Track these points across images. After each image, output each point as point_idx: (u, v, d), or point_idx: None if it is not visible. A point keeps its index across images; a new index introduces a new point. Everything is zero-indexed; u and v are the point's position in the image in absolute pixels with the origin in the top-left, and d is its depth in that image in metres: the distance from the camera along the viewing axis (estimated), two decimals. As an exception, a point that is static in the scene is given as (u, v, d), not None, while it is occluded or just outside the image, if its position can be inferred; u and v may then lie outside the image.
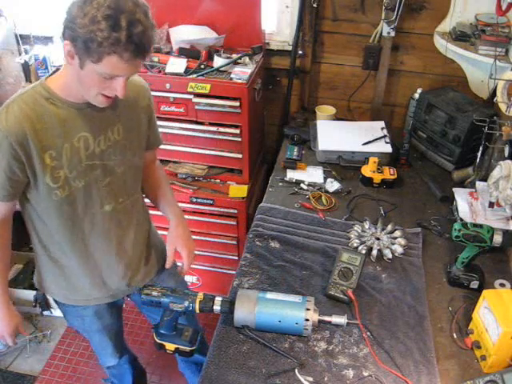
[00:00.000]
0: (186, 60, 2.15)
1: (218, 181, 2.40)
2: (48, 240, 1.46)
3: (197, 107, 2.16)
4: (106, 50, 1.10)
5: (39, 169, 1.28)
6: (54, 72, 1.32)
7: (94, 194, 1.39)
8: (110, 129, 1.37)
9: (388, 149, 2.16)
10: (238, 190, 2.35)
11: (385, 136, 2.22)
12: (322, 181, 2.08)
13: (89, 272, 1.51)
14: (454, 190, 1.93)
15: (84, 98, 1.27)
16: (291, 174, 2.11)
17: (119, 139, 1.39)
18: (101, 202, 1.41)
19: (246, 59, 2.23)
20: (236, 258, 2.51)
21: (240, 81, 2.08)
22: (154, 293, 1.36)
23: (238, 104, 2.11)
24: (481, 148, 1.96)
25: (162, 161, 2.01)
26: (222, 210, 2.37)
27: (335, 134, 2.27)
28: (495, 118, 1.94)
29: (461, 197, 1.88)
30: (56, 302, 1.64)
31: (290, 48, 2.43)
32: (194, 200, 2.34)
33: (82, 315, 1.64)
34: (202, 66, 2.17)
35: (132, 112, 1.43)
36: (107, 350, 1.81)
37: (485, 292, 1.37)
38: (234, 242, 2.49)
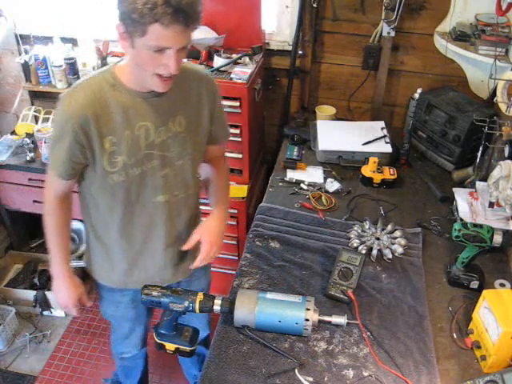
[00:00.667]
0: (185, 60, 2.15)
1: (218, 181, 2.40)
2: (97, 220, 1.49)
3: (197, 107, 2.16)
4: (148, 19, 1.10)
5: (98, 153, 1.31)
6: (123, 59, 1.34)
7: (149, 183, 1.40)
8: (171, 120, 1.37)
9: (388, 149, 2.16)
10: (238, 190, 2.35)
11: (385, 136, 2.22)
12: (322, 181, 2.08)
13: (131, 256, 1.53)
14: (453, 190, 1.93)
15: (145, 85, 1.28)
16: (291, 174, 2.11)
17: (180, 131, 1.39)
18: (155, 192, 1.42)
19: (246, 59, 2.23)
20: (236, 258, 2.51)
21: (240, 81, 2.09)
22: (154, 293, 1.36)
23: (238, 104, 2.11)
24: (481, 148, 1.96)
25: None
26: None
27: (335, 134, 2.27)
28: (495, 117, 1.94)
29: (461, 197, 1.88)
30: (97, 285, 1.66)
31: (290, 48, 2.43)
32: (194, 200, 2.34)
33: (118, 301, 1.66)
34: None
35: (195, 104, 1.42)
36: (132, 340, 1.82)
37: (485, 292, 1.37)
38: (234, 242, 2.49)
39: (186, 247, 1.53)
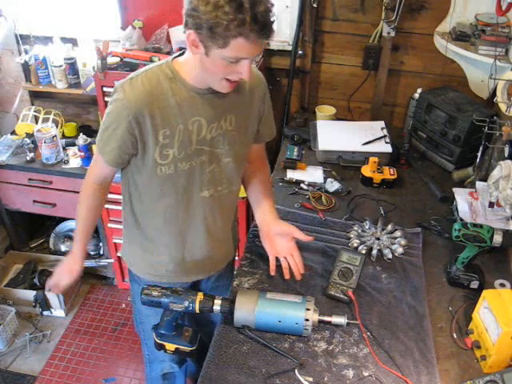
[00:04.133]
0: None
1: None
2: (140, 210, 1.51)
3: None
4: (232, 33, 1.11)
5: (151, 144, 1.32)
6: (181, 54, 1.35)
7: (197, 177, 1.42)
8: (223, 117, 1.39)
9: (388, 149, 2.16)
10: (238, 190, 2.35)
11: (385, 136, 2.22)
12: (322, 181, 2.08)
13: (173, 247, 1.55)
14: (453, 190, 1.93)
15: (206, 83, 1.29)
16: (291, 174, 2.11)
17: (230, 129, 1.41)
18: (201, 186, 1.44)
19: (246, 59, 2.23)
20: (236, 257, 2.51)
21: (240, 81, 2.08)
22: (154, 293, 1.35)
23: (238, 104, 2.11)
24: (481, 148, 1.96)
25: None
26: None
27: (335, 134, 2.27)
28: (495, 118, 1.94)
29: (461, 197, 1.88)
30: (135, 281, 1.66)
31: (290, 48, 2.43)
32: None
33: None
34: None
35: (247, 104, 1.44)
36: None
37: (485, 292, 1.37)
38: (234, 242, 2.49)
39: (272, 272, 1.56)
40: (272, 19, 1.15)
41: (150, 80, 1.29)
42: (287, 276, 1.56)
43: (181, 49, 1.34)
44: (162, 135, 1.32)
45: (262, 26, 1.12)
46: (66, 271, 1.57)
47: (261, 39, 1.15)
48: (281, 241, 1.58)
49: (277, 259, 1.58)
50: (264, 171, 1.70)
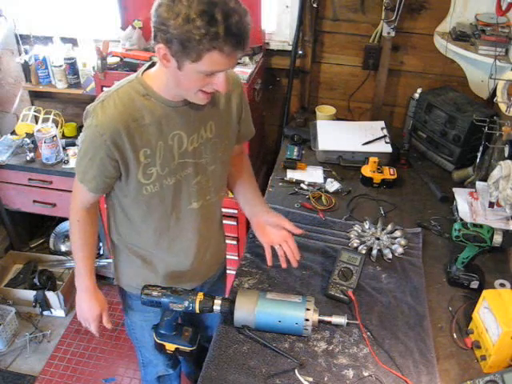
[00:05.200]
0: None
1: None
2: (129, 230, 1.47)
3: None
4: (206, 47, 1.06)
5: (133, 166, 1.28)
6: (150, 66, 1.29)
7: (184, 191, 1.39)
8: (203, 127, 1.35)
9: (388, 149, 2.16)
10: (238, 190, 2.34)
11: (385, 136, 2.22)
12: (322, 181, 2.08)
13: (165, 260, 1.52)
14: (454, 190, 1.93)
15: (180, 96, 1.25)
16: (291, 174, 2.11)
17: (211, 137, 1.38)
18: (189, 199, 1.41)
19: (246, 59, 2.23)
20: (236, 258, 2.51)
21: (240, 81, 2.08)
22: (154, 293, 1.35)
23: (238, 104, 2.10)
24: (481, 148, 1.96)
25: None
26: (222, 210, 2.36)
27: (335, 134, 2.27)
28: (495, 117, 1.94)
29: (461, 197, 1.88)
30: (129, 297, 1.63)
31: (290, 48, 2.43)
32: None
33: (147, 310, 1.57)
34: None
35: (225, 109, 1.40)
36: (163, 357, 1.78)
37: (485, 292, 1.37)
38: (234, 242, 2.49)
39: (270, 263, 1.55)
40: (247, 28, 1.09)
41: (121, 99, 1.23)
42: (284, 265, 1.54)
43: (150, 58, 1.28)
44: (143, 155, 1.27)
45: (237, 37, 1.07)
46: (88, 312, 1.53)
47: (238, 52, 1.10)
48: (272, 230, 1.56)
49: (273, 251, 1.56)
50: (246, 167, 1.67)
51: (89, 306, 1.52)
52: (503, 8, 1.82)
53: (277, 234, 1.55)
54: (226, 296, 1.57)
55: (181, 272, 1.55)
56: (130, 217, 1.42)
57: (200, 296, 1.35)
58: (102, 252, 2.91)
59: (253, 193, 1.64)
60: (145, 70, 1.29)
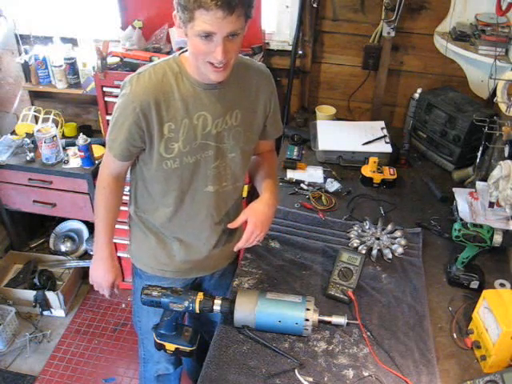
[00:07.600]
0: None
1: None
2: (146, 205, 1.54)
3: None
4: (193, 5, 1.13)
5: (156, 138, 1.35)
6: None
7: (202, 172, 1.44)
8: (229, 113, 1.40)
9: (388, 149, 2.16)
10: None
11: (385, 136, 2.22)
12: (321, 181, 2.08)
13: (177, 242, 1.56)
14: (454, 190, 1.93)
15: (206, 75, 1.30)
16: (291, 174, 2.11)
17: (235, 125, 1.42)
18: (205, 181, 1.46)
19: (246, 59, 2.23)
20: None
21: (240, 81, 2.08)
22: (154, 293, 1.36)
23: (238, 104, 2.11)
24: (481, 148, 1.96)
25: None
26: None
27: (335, 134, 2.27)
28: (495, 117, 1.94)
29: (461, 197, 1.88)
30: (139, 277, 1.67)
31: (290, 48, 2.44)
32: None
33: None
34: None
35: (252, 100, 1.45)
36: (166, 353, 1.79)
37: (485, 292, 1.37)
38: (234, 242, 2.48)
39: (231, 226, 1.55)
40: None
41: (156, 74, 1.32)
42: (237, 244, 1.51)
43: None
44: (167, 129, 1.34)
45: None
46: (103, 278, 1.58)
47: (220, 11, 1.13)
48: (257, 211, 1.51)
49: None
50: (270, 163, 1.66)
51: (104, 274, 1.58)
52: (503, 8, 1.82)
53: (258, 218, 1.49)
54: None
55: (189, 257, 1.59)
56: (150, 190, 1.49)
57: (200, 296, 1.36)
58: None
59: (266, 190, 1.57)
60: (183, 52, 1.37)
